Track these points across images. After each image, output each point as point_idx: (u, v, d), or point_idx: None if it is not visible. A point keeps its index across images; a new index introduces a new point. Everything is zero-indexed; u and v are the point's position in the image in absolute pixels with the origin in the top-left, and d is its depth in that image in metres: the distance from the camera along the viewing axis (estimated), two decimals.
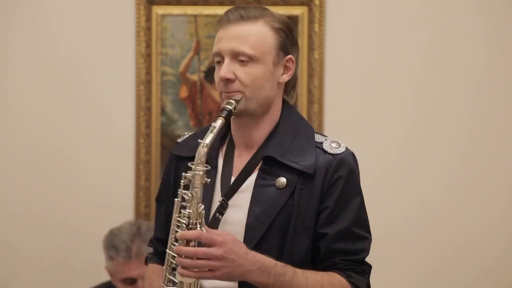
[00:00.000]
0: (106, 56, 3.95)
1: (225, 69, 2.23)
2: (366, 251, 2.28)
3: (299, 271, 2.18)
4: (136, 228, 3.42)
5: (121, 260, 3.37)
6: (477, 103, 3.91)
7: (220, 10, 3.88)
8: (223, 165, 2.32)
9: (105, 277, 3.61)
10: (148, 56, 3.91)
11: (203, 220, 2.13)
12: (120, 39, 3.94)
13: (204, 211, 2.13)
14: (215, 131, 2.17)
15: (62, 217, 3.97)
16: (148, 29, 3.91)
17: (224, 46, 2.25)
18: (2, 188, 3.99)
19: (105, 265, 3.47)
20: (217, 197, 2.28)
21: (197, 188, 2.14)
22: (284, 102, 2.35)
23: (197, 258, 2.08)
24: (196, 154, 2.14)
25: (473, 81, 3.91)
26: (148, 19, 3.91)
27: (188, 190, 2.15)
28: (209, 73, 3.92)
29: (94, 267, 3.83)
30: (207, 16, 3.91)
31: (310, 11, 3.86)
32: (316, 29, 3.86)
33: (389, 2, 3.91)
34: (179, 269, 2.10)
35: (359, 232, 2.26)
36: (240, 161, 2.31)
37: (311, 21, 3.86)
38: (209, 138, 2.15)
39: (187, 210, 2.14)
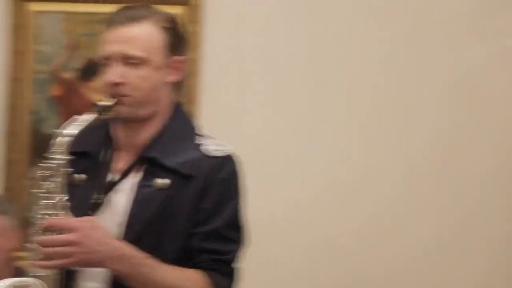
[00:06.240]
0: None
1: (113, 73, 2.22)
2: (234, 252, 2.28)
3: (161, 266, 2.17)
4: None
5: None
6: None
7: (96, 8, 3.85)
8: (99, 164, 2.29)
9: None
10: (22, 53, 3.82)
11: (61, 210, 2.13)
12: None
13: (64, 202, 2.13)
14: (79, 123, 2.16)
15: None
16: (22, 26, 3.81)
17: (112, 49, 2.23)
18: None
19: None
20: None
21: (56, 179, 2.14)
22: (173, 102, 2.33)
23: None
24: (53, 144, 2.15)
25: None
26: (21, 15, 3.82)
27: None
28: (83, 71, 3.86)
29: None
30: (83, 13, 3.84)
31: (188, 10, 3.79)
32: (194, 29, 3.79)
33: None
34: (34, 263, 2.08)
35: (229, 234, 2.27)
36: (122, 162, 2.29)
37: (190, 21, 3.80)
38: (69, 129, 2.15)
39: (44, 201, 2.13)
